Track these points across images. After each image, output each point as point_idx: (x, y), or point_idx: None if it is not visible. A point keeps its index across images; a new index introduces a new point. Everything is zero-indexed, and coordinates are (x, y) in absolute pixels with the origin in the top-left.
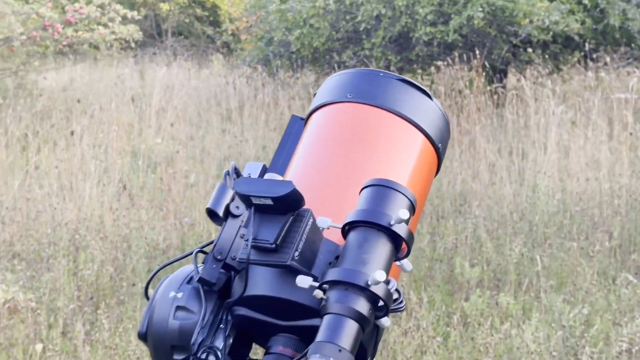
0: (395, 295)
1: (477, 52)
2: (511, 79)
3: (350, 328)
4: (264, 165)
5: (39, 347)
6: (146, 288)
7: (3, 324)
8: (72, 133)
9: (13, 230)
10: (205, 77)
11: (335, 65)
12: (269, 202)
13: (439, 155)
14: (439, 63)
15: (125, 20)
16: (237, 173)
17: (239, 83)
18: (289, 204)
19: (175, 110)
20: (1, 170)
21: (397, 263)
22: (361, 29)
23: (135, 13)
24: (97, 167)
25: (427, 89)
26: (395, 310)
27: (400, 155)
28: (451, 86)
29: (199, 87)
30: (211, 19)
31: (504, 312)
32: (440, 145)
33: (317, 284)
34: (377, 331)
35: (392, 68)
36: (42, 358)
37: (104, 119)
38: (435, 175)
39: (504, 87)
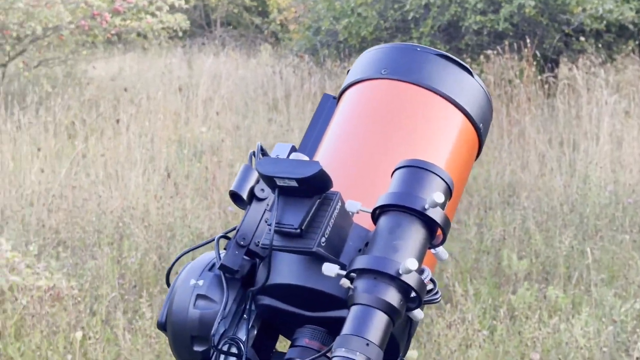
0: (429, 286)
1: (528, 41)
2: (563, 68)
3: (379, 320)
4: (293, 146)
5: (78, 334)
6: (167, 275)
7: (45, 310)
8: (117, 121)
9: (59, 217)
10: (252, 66)
11: None
12: (294, 183)
13: (480, 137)
14: (489, 52)
15: (172, 9)
16: (264, 154)
17: (286, 72)
18: (315, 186)
19: (222, 99)
20: (49, 158)
21: (432, 251)
22: (409, 17)
23: (182, 2)
24: (143, 155)
25: (467, 65)
26: (430, 302)
27: (438, 136)
28: (501, 75)
29: (246, 77)
30: (260, 9)
31: (552, 305)
32: (481, 125)
33: (344, 272)
34: (411, 325)
35: None
36: (83, 346)
37: (151, 108)
38: (476, 159)
39: (555, 76)
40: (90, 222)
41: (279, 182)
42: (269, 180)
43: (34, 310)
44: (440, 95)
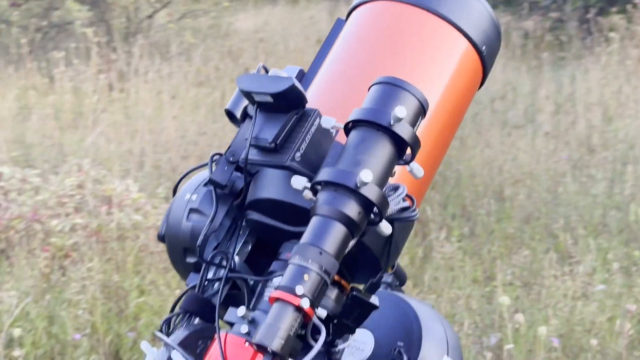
0: (405, 204)
1: None
2: None
3: (336, 231)
4: (301, 69)
5: None
6: (174, 191)
7: (161, 248)
8: (246, 70)
9: (189, 164)
10: None
11: (527, 6)
12: (269, 99)
13: (484, 62)
14: (637, 1)
15: None
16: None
17: None
18: (290, 101)
19: None
20: (186, 106)
21: (407, 168)
22: None
23: None
24: None
25: None
26: (406, 219)
27: (433, 58)
28: None
29: None
30: None
31: None
32: (484, 48)
33: (309, 185)
34: (390, 242)
35: (590, 9)
36: None
37: (289, 58)
38: (481, 87)
39: None
40: None
41: (257, 98)
42: (248, 96)
43: (153, 248)
44: (439, 16)
